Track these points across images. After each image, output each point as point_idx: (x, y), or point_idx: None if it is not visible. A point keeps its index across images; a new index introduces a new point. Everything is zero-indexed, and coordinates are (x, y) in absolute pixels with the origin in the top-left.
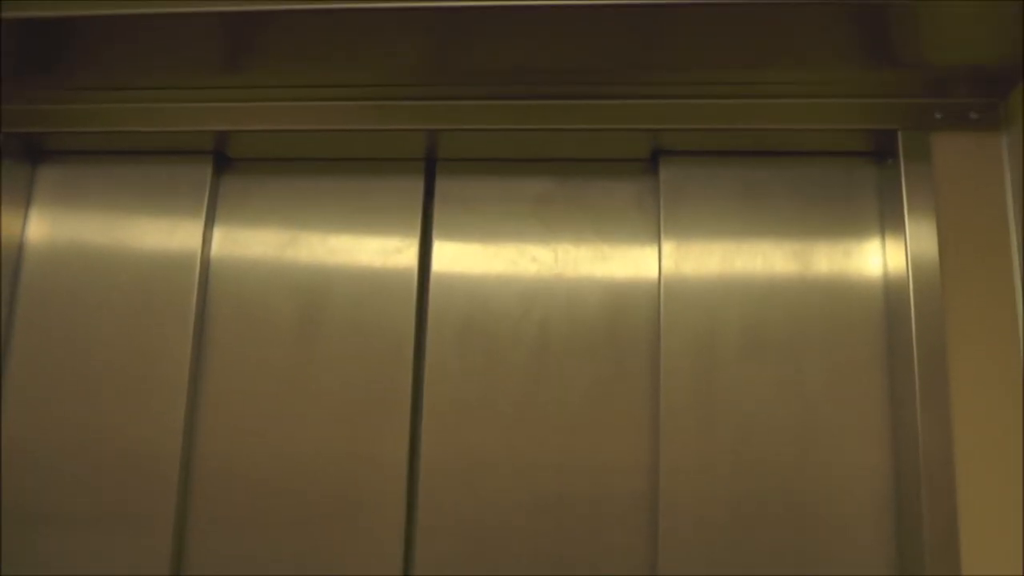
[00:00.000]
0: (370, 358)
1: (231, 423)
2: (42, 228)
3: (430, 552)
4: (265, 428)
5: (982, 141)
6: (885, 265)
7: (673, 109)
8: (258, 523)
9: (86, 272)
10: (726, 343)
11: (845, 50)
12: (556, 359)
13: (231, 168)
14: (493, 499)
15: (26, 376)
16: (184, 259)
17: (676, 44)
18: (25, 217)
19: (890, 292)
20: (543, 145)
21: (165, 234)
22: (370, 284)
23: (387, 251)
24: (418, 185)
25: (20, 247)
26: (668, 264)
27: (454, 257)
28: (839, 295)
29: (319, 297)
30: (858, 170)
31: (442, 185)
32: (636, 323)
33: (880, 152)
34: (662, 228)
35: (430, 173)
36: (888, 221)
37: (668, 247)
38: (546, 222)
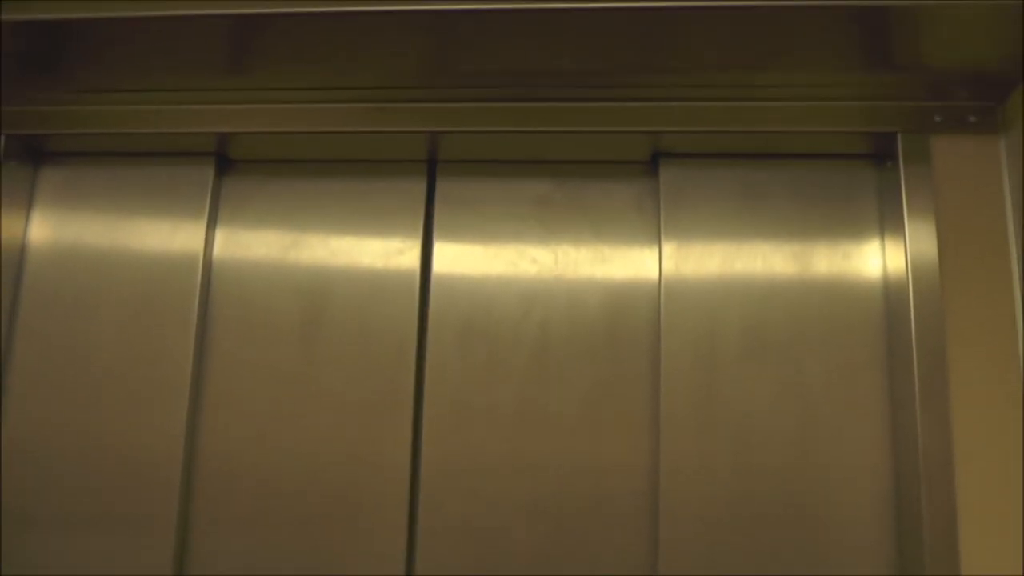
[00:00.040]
0: (372, 359)
1: (233, 424)
2: (44, 230)
3: (432, 553)
4: (267, 429)
5: (981, 144)
6: (885, 267)
7: (673, 111)
8: (260, 524)
9: (88, 274)
10: (726, 344)
11: (845, 53)
12: (556, 360)
13: (233, 170)
14: (494, 500)
15: (28, 378)
16: (186, 261)
17: (676, 47)
18: (27, 219)
19: (890, 294)
20: (544, 147)
21: (167, 236)
22: (372, 286)
23: (389, 253)
24: (420, 187)
25: (22, 249)
26: (668, 266)
27: (455, 258)
28: (839, 297)
29: (321, 299)
30: (858, 172)
31: (443, 187)
32: (636, 324)
33: (880, 154)
34: (662, 230)
35: (431, 175)
36: (888, 223)
37: (668, 249)
38: (546, 224)
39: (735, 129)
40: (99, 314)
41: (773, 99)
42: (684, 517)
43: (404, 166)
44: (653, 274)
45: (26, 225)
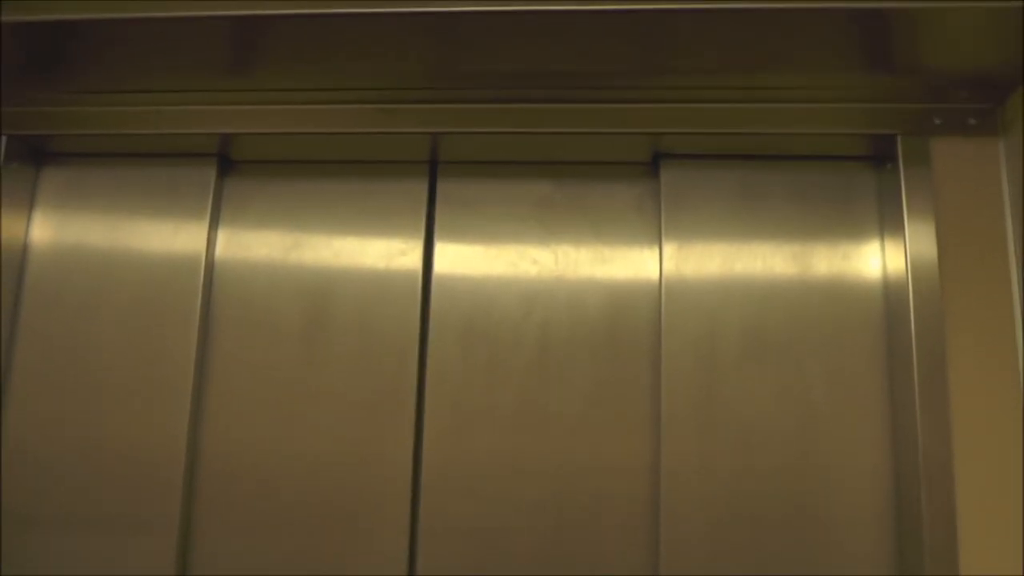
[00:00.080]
0: (374, 360)
1: (235, 425)
2: (46, 231)
3: (433, 553)
4: (269, 430)
5: (980, 146)
6: (885, 268)
7: (674, 113)
8: (262, 525)
9: (90, 275)
10: (727, 345)
11: (845, 55)
12: (557, 361)
13: (235, 171)
14: (495, 500)
15: (30, 378)
16: (188, 262)
17: (677, 49)
18: (29, 220)
19: (890, 295)
20: (545, 148)
21: (169, 237)
22: (374, 286)
23: (391, 253)
24: (422, 187)
25: (24, 249)
26: (669, 267)
27: (456, 259)
28: (839, 298)
29: (323, 299)
30: (858, 174)
31: (444, 187)
32: (637, 325)
33: (880, 156)
34: (663, 231)
35: (432, 175)
36: (887, 225)
37: (669, 250)
38: (547, 224)
39: (736, 131)
40: (101, 315)
41: (774, 101)
42: (685, 517)
43: (406, 167)
44: (654, 275)
45: (28, 226)
